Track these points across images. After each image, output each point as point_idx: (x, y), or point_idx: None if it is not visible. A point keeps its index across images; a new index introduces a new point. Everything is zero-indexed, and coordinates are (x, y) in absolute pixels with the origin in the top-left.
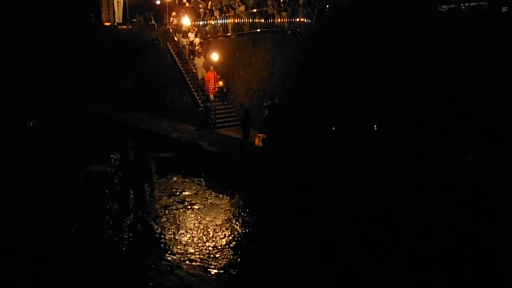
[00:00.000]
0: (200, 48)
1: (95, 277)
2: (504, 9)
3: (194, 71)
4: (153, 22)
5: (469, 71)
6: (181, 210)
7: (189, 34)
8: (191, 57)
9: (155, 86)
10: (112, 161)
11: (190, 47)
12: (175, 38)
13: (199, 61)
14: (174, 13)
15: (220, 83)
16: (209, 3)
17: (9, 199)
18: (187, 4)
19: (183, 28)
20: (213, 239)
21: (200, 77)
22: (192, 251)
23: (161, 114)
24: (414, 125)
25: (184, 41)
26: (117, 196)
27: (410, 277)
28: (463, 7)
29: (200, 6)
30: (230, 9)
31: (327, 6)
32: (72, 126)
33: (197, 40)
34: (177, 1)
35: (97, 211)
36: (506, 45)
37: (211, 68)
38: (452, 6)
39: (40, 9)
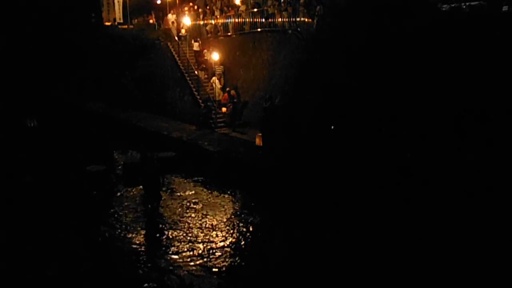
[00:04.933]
0: (219, 69)
1: (97, 275)
2: (504, 8)
3: (207, 86)
4: (153, 21)
5: (469, 70)
6: (181, 209)
7: (207, 53)
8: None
9: (156, 86)
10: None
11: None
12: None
13: (217, 82)
14: (186, 7)
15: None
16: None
17: (10, 199)
18: (190, 5)
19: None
20: (214, 238)
21: (217, 98)
22: (193, 249)
23: (162, 114)
24: (414, 124)
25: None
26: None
27: (405, 276)
28: (464, 6)
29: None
30: (230, 8)
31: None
32: (73, 125)
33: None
34: (177, 1)
35: (97, 210)
36: (506, 44)
37: (227, 89)
38: (453, 5)
39: (41, 9)
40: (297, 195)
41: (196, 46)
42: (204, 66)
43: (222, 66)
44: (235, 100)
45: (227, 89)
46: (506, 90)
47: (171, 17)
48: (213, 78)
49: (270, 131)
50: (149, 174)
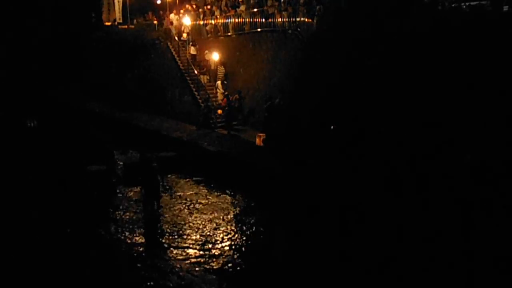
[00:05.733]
0: (221, 70)
1: (97, 276)
2: (505, 8)
3: (210, 91)
4: (154, 21)
5: (469, 70)
6: (181, 209)
7: (208, 54)
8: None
9: (156, 86)
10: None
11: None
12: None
13: (220, 87)
14: (183, 9)
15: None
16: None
17: (11, 198)
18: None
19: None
20: (214, 238)
21: (220, 103)
22: (193, 249)
23: (162, 114)
24: (415, 124)
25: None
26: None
27: (403, 276)
28: (464, 6)
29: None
30: (230, 8)
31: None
32: (73, 126)
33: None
34: (177, 1)
35: (97, 211)
36: (506, 44)
37: (225, 93)
38: (453, 5)
39: (41, 9)
40: (297, 194)
41: (193, 50)
42: (205, 70)
43: (223, 67)
44: (232, 104)
45: (226, 93)
46: (507, 90)
47: (173, 17)
48: (217, 82)
49: (272, 131)
50: (149, 174)
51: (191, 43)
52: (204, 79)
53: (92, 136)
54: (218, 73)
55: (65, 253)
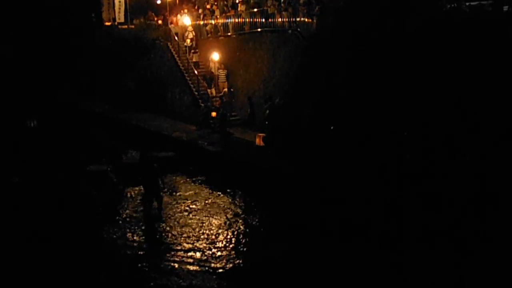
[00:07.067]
0: (223, 73)
1: (97, 275)
2: (505, 8)
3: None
4: (154, 22)
5: (469, 70)
6: (181, 209)
7: (212, 62)
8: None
9: (156, 86)
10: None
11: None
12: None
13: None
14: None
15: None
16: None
17: (10, 198)
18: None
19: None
20: (214, 238)
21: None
22: (193, 249)
23: (162, 114)
24: (415, 124)
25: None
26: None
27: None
28: (464, 6)
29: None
30: (230, 8)
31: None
32: (73, 126)
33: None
34: (177, 1)
35: (97, 211)
36: (506, 44)
37: (220, 94)
38: (453, 5)
39: (41, 9)
40: (297, 193)
41: (195, 57)
42: (213, 85)
43: (226, 70)
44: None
45: (220, 94)
46: (507, 90)
47: (179, 17)
48: (224, 90)
49: (272, 131)
50: (149, 174)
51: (192, 51)
52: (212, 91)
53: (92, 136)
54: (220, 76)
55: (64, 253)
